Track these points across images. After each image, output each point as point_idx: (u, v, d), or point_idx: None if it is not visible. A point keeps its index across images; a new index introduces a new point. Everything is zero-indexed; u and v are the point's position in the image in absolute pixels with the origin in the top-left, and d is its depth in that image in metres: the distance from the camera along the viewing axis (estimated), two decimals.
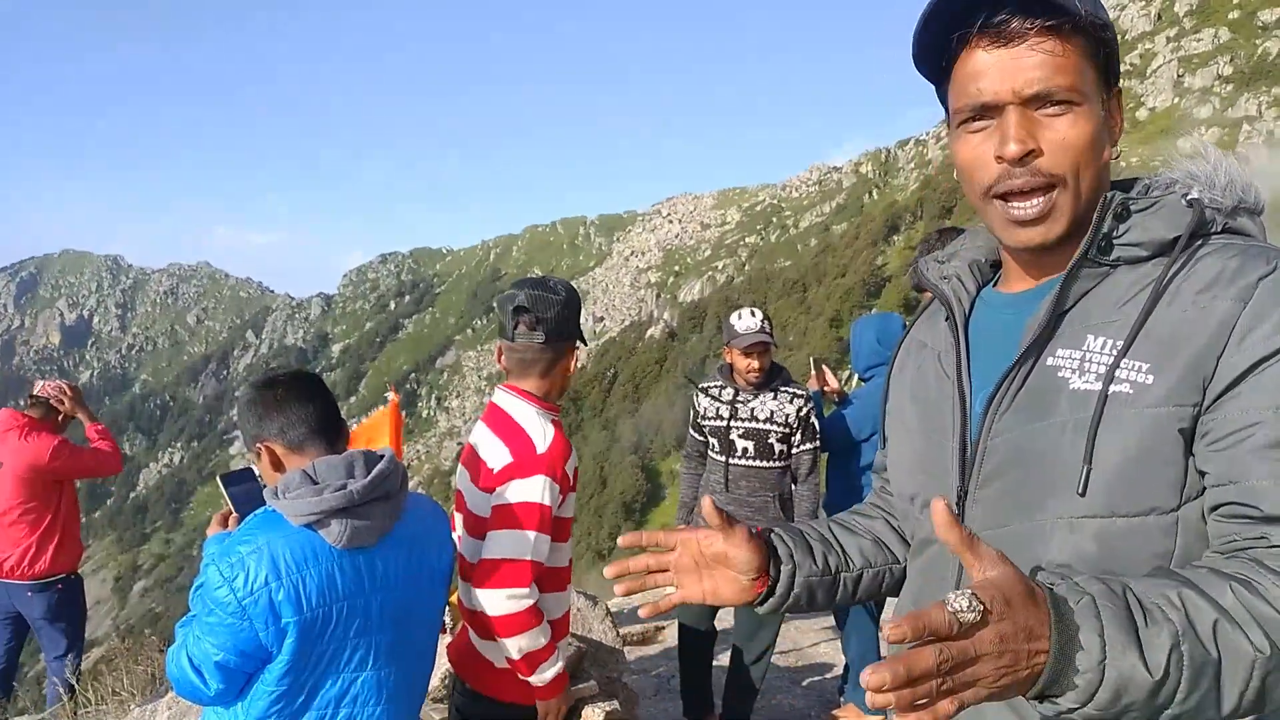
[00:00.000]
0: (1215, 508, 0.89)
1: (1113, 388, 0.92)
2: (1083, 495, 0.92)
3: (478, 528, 2.02)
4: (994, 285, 1.17)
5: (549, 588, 2.05)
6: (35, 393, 4.38)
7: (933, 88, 1.08)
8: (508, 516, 1.96)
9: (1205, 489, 0.91)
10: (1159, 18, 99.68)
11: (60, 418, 4.41)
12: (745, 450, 3.62)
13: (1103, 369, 0.94)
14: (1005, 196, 0.99)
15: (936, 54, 1.01)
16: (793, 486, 3.72)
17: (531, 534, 1.95)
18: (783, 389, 3.65)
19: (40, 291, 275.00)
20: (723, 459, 3.66)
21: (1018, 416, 1.00)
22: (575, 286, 2.55)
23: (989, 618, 0.72)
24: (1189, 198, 0.98)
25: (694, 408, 3.82)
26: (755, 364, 3.56)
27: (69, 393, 4.41)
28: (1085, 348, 0.96)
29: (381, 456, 1.72)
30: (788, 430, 3.61)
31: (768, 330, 3.55)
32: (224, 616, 1.53)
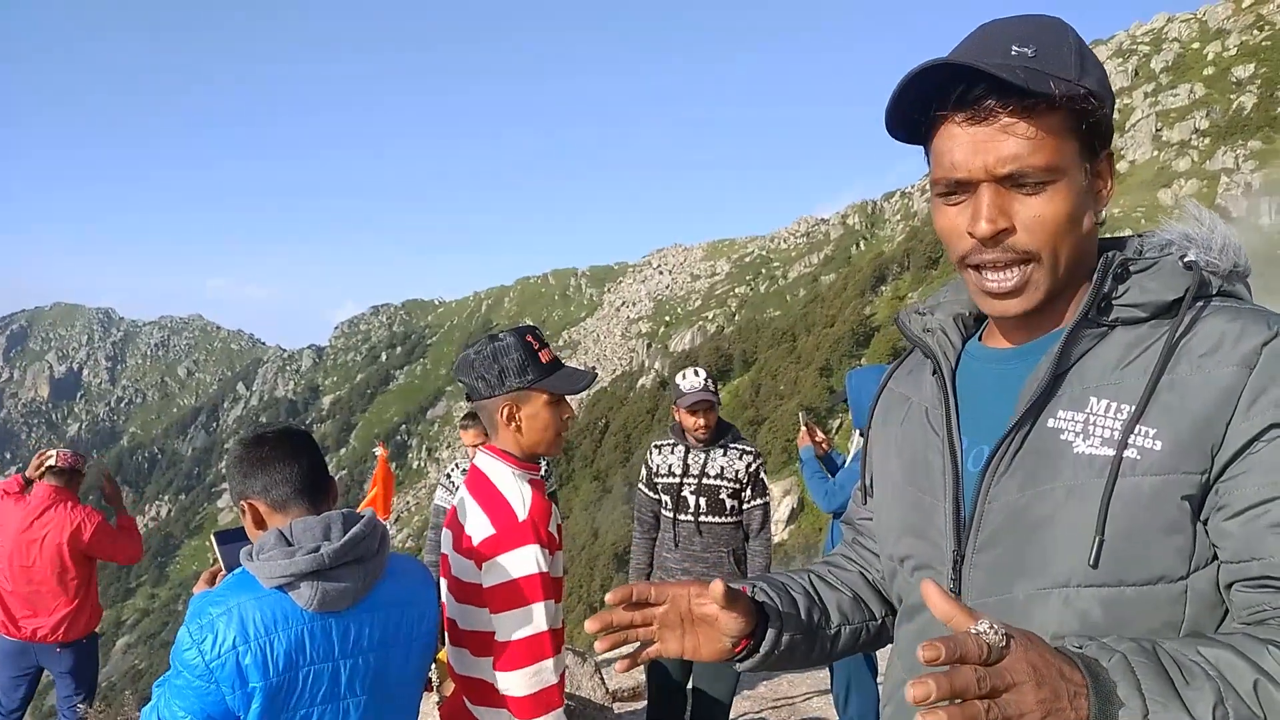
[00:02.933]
0: (1237, 581, 0.88)
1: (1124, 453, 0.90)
2: (1095, 566, 0.90)
3: (463, 593, 2.04)
4: (979, 338, 1.14)
5: None
6: (51, 464, 4.51)
7: (921, 145, 1.06)
8: (511, 594, 1.94)
9: (1222, 563, 0.89)
10: (1136, 74, 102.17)
11: (78, 485, 4.61)
12: (698, 506, 3.69)
13: (1109, 433, 0.92)
14: (979, 267, 0.98)
15: (914, 122, 1.00)
16: (745, 542, 3.79)
17: (539, 605, 1.94)
18: (732, 446, 3.74)
19: (30, 344, 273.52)
20: (678, 515, 3.72)
21: (1017, 479, 0.97)
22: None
23: (1013, 644, 0.72)
24: (1186, 260, 0.97)
25: (647, 465, 3.88)
26: (701, 421, 3.67)
27: (108, 481, 4.71)
28: (1088, 410, 0.94)
29: (360, 519, 1.70)
30: (738, 486, 3.70)
31: (711, 390, 3.66)
32: (191, 679, 1.52)
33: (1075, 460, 0.93)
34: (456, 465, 5.05)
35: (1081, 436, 0.93)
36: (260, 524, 1.73)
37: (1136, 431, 0.90)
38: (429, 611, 1.84)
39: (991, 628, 0.72)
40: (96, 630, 4.71)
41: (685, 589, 1.05)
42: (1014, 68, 0.90)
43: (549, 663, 1.93)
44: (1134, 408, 0.91)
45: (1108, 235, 1.06)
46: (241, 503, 1.74)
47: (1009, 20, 0.97)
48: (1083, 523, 0.91)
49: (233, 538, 1.88)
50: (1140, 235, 1.04)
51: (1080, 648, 0.78)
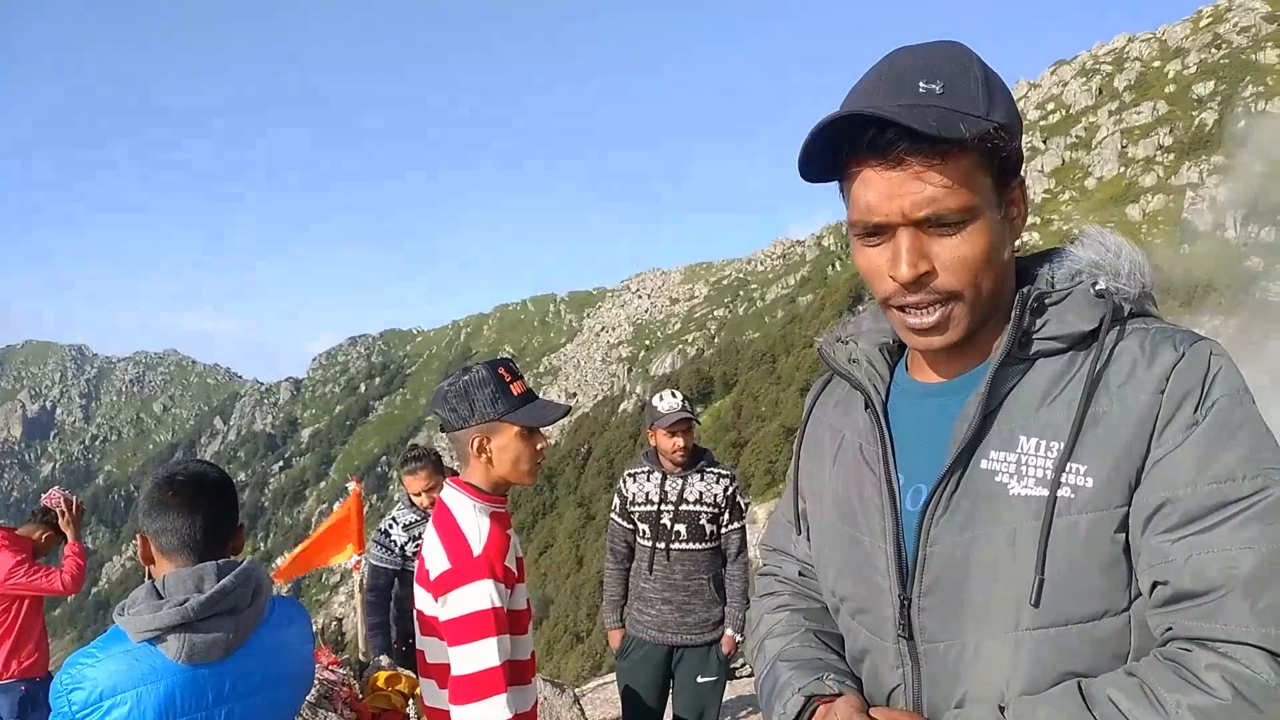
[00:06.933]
0: (1148, 591, 0.89)
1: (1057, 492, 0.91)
2: (1036, 605, 0.90)
3: (426, 626, 2.08)
4: (905, 367, 1.12)
5: (512, 682, 2.06)
6: (42, 503, 4.67)
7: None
8: (464, 629, 1.95)
9: (1137, 577, 0.90)
10: (1100, 92, 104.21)
11: (56, 530, 4.61)
12: (678, 533, 3.64)
13: (1041, 473, 0.92)
14: (902, 308, 0.98)
15: (828, 163, 0.99)
16: (723, 567, 3.75)
17: (493, 640, 1.93)
18: (709, 469, 3.71)
19: (1, 383, 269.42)
20: (657, 544, 3.66)
21: (956, 523, 0.97)
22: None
23: None
24: (1098, 288, 0.98)
25: (620, 494, 3.83)
26: (680, 442, 3.62)
27: (72, 507, 4.68)
28: (1019, 450, 0.95)
29: (234, 569, 1.69)
30: (717, 510, 3.66)
31: (689, 410, 3.63)
32: None
33: (1011, 503, 0.94)
34: (395, 521, 4.56)
35: (1016, 478, 0.94)
36: (149, 559, 1.75)
37: (1067, 470, 0.91)
38: (305, 651, 1.88)
39: None
40: (47, 675, 4.56)
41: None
42: (925, 111, 0.90)
43: (502, 698, 1.93)
44: (1063, 445, 0.91)
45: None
46: (137, 534, 1.77)
47: (913, 52, 0.97)
48: (1024, 566, 0.92)
49: None
50: (1049, 262, 1.05)
51: None
